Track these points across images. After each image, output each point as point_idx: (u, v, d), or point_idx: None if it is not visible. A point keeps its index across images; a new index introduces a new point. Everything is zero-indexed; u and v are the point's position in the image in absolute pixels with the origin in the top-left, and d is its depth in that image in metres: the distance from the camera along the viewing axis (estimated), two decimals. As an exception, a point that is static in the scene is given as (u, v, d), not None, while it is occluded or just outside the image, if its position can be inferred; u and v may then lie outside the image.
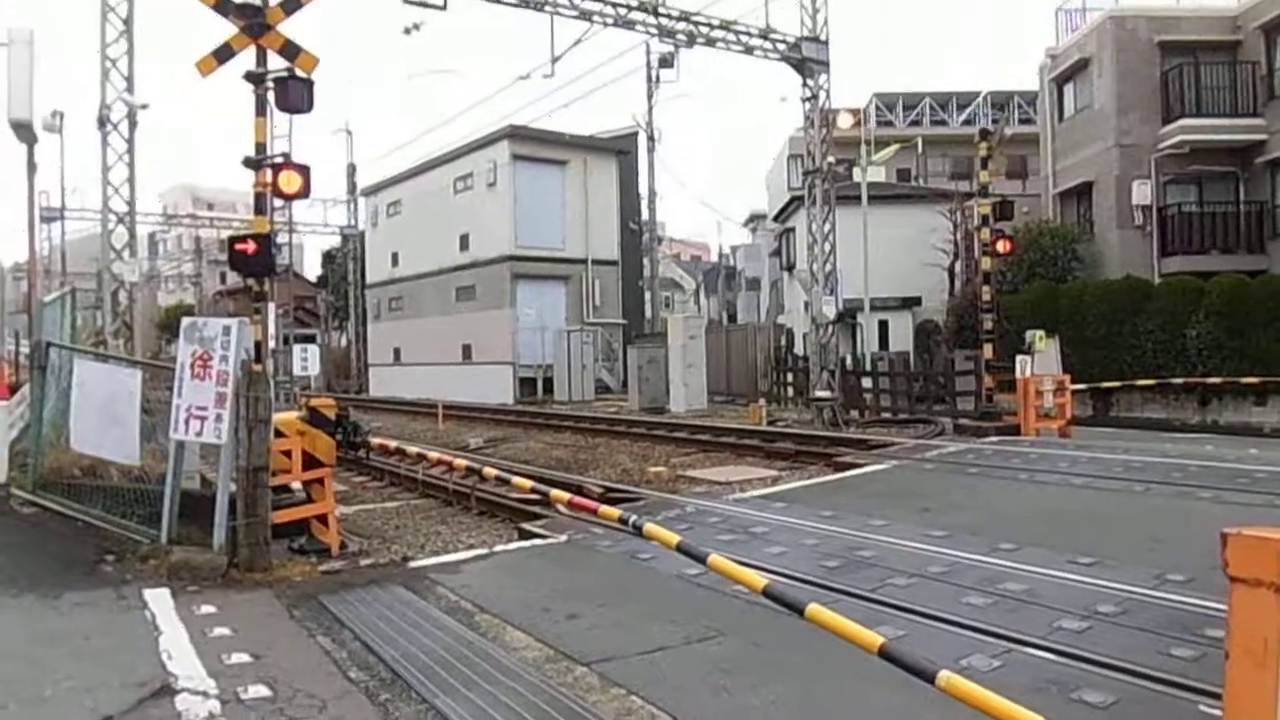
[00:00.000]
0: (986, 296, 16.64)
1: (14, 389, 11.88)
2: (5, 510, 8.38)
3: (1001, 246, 16.27)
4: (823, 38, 18.86)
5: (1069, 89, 26.99)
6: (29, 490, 8.65)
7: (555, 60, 19.32)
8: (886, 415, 20.52)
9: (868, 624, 3.59)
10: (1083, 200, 26.28)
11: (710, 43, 18.14)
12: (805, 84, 19.09)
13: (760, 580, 3.70)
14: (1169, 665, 4.36)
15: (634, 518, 4.68)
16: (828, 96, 19.27)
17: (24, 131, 12.97)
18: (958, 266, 28.81)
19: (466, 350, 34.40)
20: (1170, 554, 6.48)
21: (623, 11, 17.25)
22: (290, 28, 7.64)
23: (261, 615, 5.68)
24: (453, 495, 11.49)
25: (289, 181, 7.38)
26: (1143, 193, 23.49)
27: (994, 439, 14.35)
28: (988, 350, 16.82)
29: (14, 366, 16.98)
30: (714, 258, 65.11)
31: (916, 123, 42.03)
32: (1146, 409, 19.95)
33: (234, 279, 48.39)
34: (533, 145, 32.70)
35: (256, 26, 7.44)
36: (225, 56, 7.53)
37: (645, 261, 36.02)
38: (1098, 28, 25.14)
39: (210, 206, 62.06)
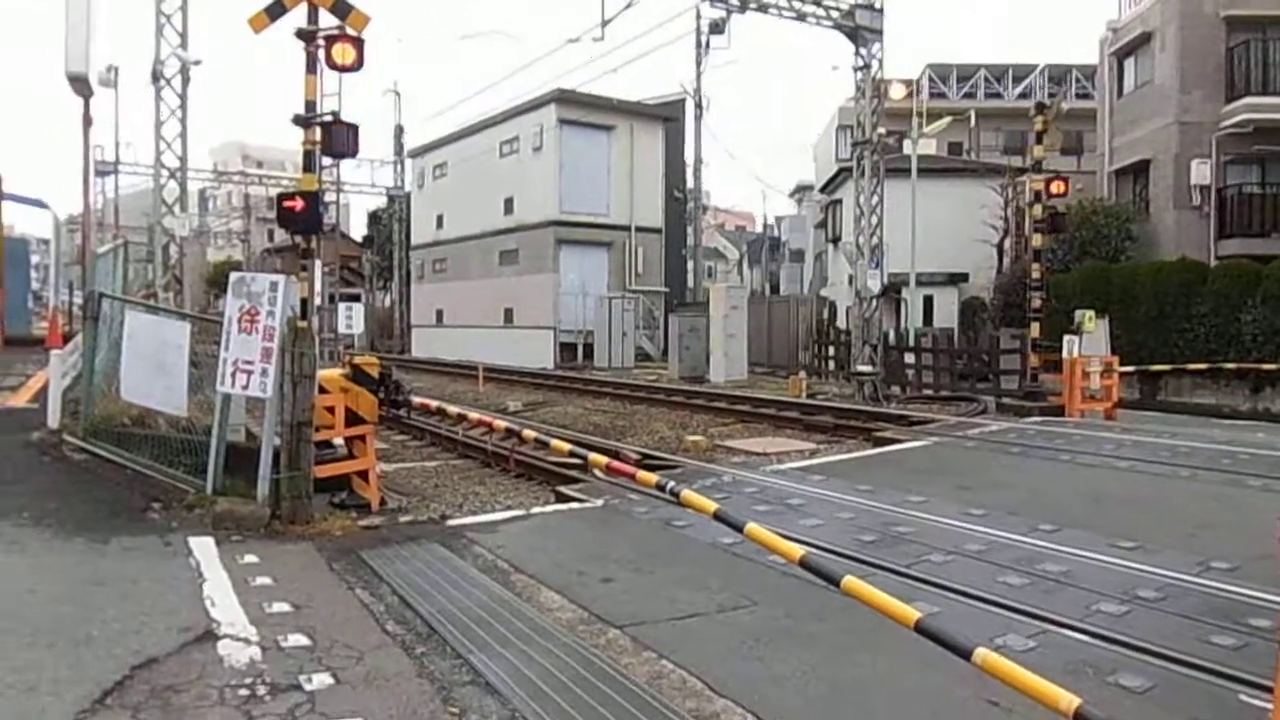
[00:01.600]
0: (1036, 274, 16.32)
1: (67, 338, 12.15)
2: (58, 456, 8.59)
3: (1056, 188, 15.76)
4: (877, 5, 18.48)
5: (1129, 63, 26.27)
6: (80, 437, 8.85)
7: (605, 24, 19.17)
8: (928, 392, 20.30)
9: (902, 599, 3.57)
10: (1139, 178, 25.65)
11: (763, 8, 17.85)
12: (857, 53, 18.75)
13: (797, 550, 3.70)
14: (1210, 653, 4.30)
15: (671, 484, 4.69)
16: (880, 66, 18.91)
17: (80, 85, 13.16)
18: (1007, 243, 28.32)
19: (508, 314, 34.56)
20: (1215, 541, 6.37)
21: (674, -25, 17.03)
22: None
23: (302, 566, 5.79)
24: (491, 456, 11.60)
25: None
26: (1202, 172, 22.85)
27: (1037, 419, 14.16)
28: (1034, 329, 16.54)
29: (67, 316, 17.32)
30: (758, 228, 64.62)
31: (970, 95, 41.24)
32: (1196, 394, 19.55)
33: (281, 236, 48.98)
34: (580, 110, 32.53)
35: (309, -17, 7.43)
36: (277, 13, 7.53)
37: (689, 230, 35.81)
38: (1162, 1, 24.38)
39: (260, 164, 62.72)
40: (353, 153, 7.88)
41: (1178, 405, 19.09)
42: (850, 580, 3.42)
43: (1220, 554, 5.91)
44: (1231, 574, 5.51)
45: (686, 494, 4.43)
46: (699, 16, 30.16)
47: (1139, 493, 8.50)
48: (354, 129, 7.54)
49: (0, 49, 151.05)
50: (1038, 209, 16.16)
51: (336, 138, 7.41)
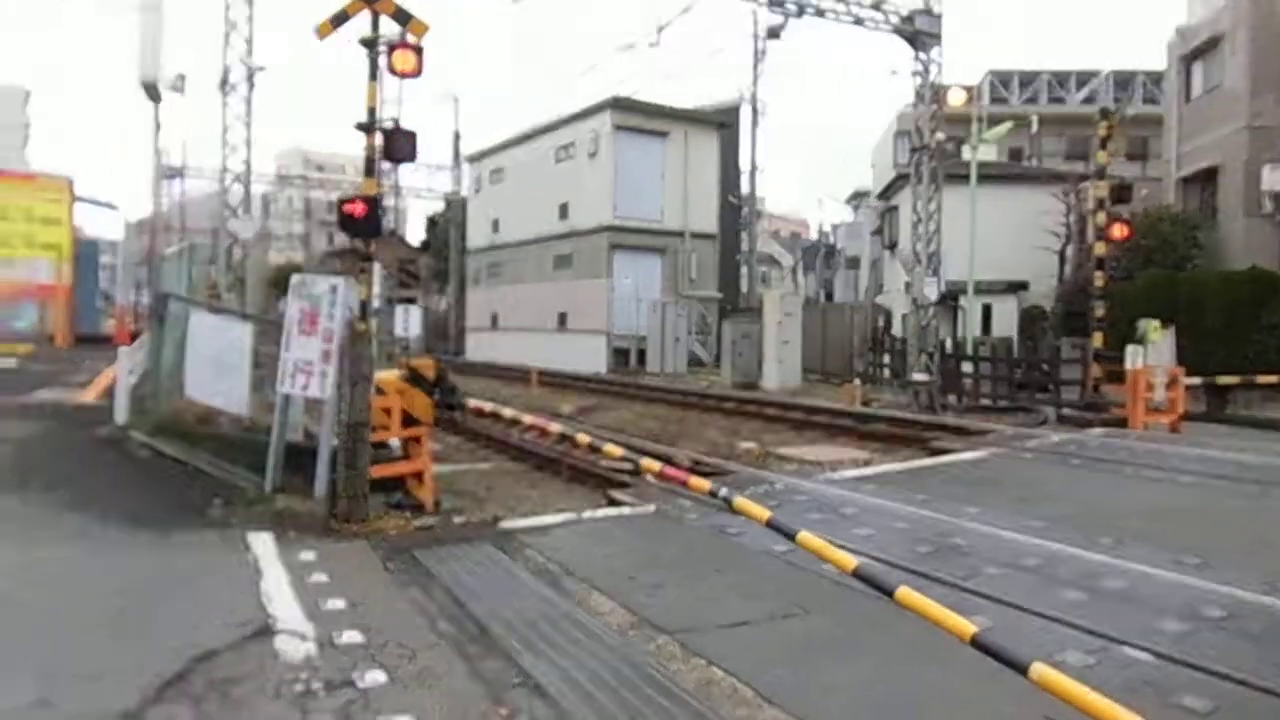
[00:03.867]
0: (1099, 283, 15.98)
1: (133, 336, 12.49)
2: (124, 452, 8.84)
3: (1118, 231, 15.57)
4: (936, 10, 18.31)
5: (1197, 68, 25.62)
6: (146, 434, 9.10)
7: (661, 29, 19.19)
8: (986, 402, 19.97)
9: (957, 612, 3.52)
10: (1207, 185, 24.98)
11: (820, 13, 17.78)
12: (916, 58, 18.58)
13: (851, 560, 3.66)
14: (1278, 676, 4.16)
15: (724, 490, 4.67)
16: (939, 71, 18.73)
17: (151, 91, 13.55)
18: (1069, 251, 27.75)
19: (562, 318, 34.74)
20: (1284, 559, 6.18)
21: (732, -20, 17.04)
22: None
23: (357, 565, 5.87)
24: (544, 460, 11.65)
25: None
26: (1274, 179, 22.16)
27: (1099, 431, 13.84)
28: (1097, 339, 16.19)
29: (134, 315, 17.81)
30: (813, 235, 64.23)
31: (1032, 100, 40.53)
32: (1267, 408, 18.92)
33: (341, 240, 49.79)
34: (635, 116, 32.63)
35: (371, -8, 7.59)
36: (341, 21, 7.71)
37: (743, 236, 35.72)
38: (1233, 4, 23.74)
39: (320, 168, 63.97)
40: (412, 158, 8.03)
41: (1247, 419, 18.49)
42: (904, 591, 3.37)
43: (1290, 573, 5.72)
44: (1302, 594, 5.34)
45: (739, 501, 4.41)
46: (756, 22, 30.21)
47: (1204, 508, 8.27)
48: (413, 135, 7.67)
49: (75, 56, 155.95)
50: (1101, 216, 15.83)
51: (396, 143, 7.55)
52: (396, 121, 7.67)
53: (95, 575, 5.36)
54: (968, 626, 3.14)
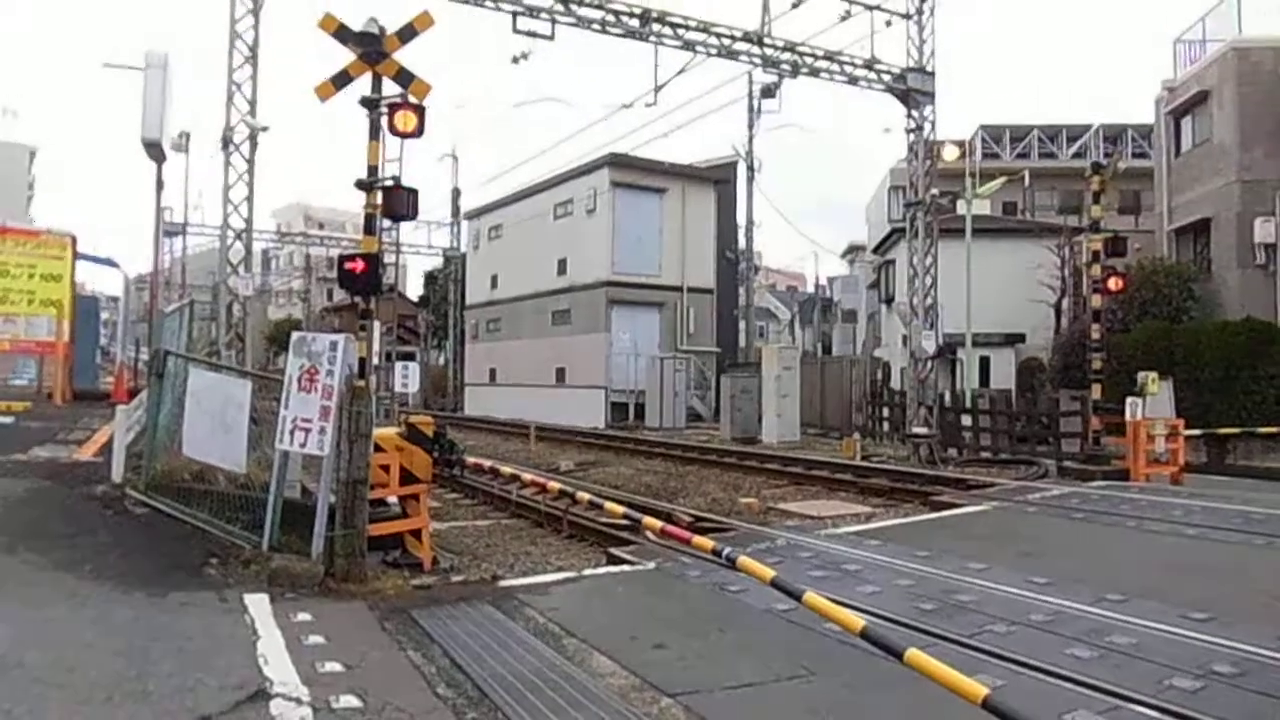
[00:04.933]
0: (1096, 335, 16.02)
1: (132, 394, 12.45)
2: (120, 510, 8.74)
3: (1113, 284, 15.66)
4: (929, 69, 18.58)
5: (1186, 122, 25.98)
6: (142, 491, 9.02)
7: (658, 89, 19.45)
8: (986, 455, 19.90)
9: (965, 671, 3.46)
10: (1200, 237, 25.19)
11: (814, 73, 18.04)
12: (910, 115, 18.82)
13: (858, 621, 3.61)
14: (1294, 735, 4.09)
15: (727, 550, 4.63)
16: (932, 128, 18.96)
17: (154, 151, 13.67)
18: (1064, 303, 27.88)
19: (560, 373, 34.74)
20: (1295, 614, 6.10)
21: (727, 42, 17.31)
22: (404, 56, 7.89)
23: (354, 626, 5.78)
24: (543, 517, 11.56)
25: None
26: (1266, 230, 22.36)
27: (1100, 483, 13.78)
28: (1096, 390, 16.17)
29: (133, 372, 17.76)
30: (810, 288, 64.53)
31: (1024, 155, 41.02)
32: (1268, 458, 18.88)
33: (340, 295, 49.98)
34: (632, 173, 32.98)
35: (373, 54, 7.67)
36: (343, 82, 7.78)
37: (741, 290, 35.88)
38: (1219, 59, 24.16)
39: (321, 225, 64.43)
40: (412, 215, 8.06)
41: (1247, 470, 18.44)
42: (914, 653, 3.32)
43: (1301, 628, 5.64)
44: (1314, 650, 5.26)
45: (743, 560, 4.36)
46: (751, 81, 30.63)
47: (1211, 561, 8.19)
48: (413, 193, 7.70)
49: (77, 114, 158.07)
50: (1096, 269, 15.92)
51: (396, 201, 7.58)
52: (397, 179, 7.71)
53: (89, 637, 5.27)
54: (979, 689, 3.09)
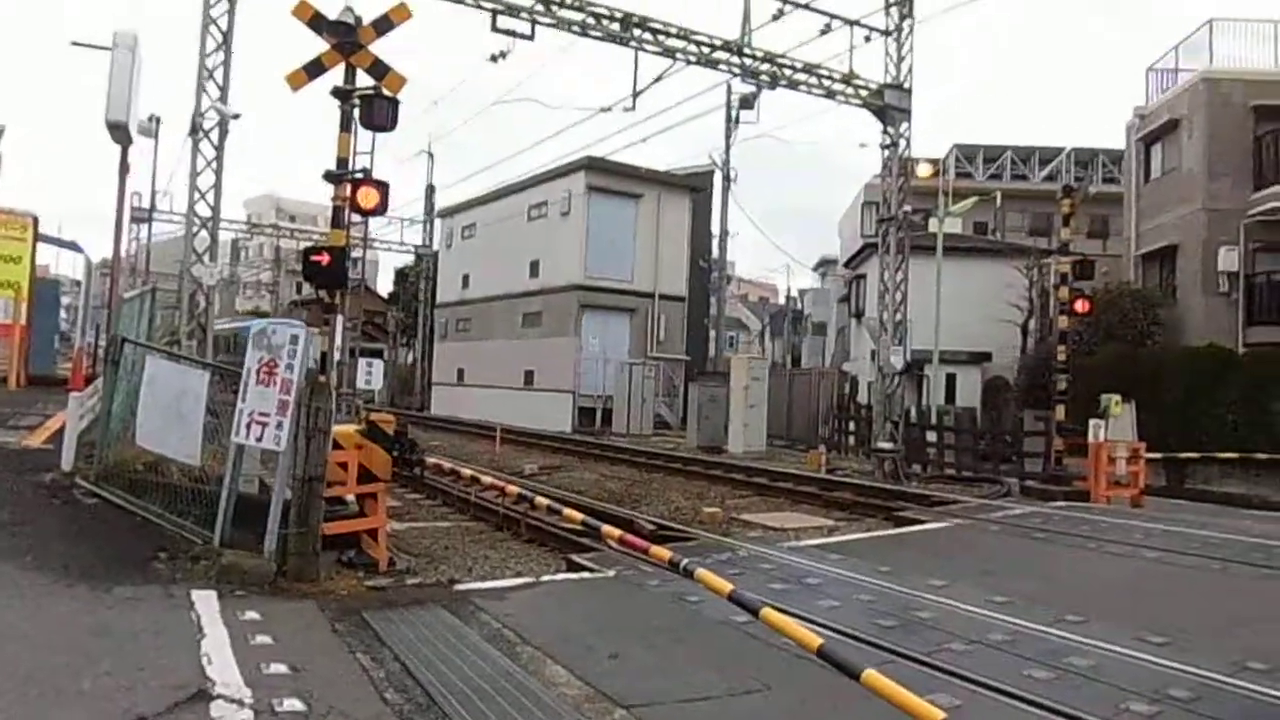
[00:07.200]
0: (1062, 356, 16.17)
1: (89, 380, 12.18)
2: (68, 499, 8.53)
3: (1080, 306, 15.85)
4: (906, 86, 18.66)
5: (1156, 150, 26.36)
6: (92, 481, 8.81)
7: (637, 94, 19.38)
8: (950, 472, 20.01)
9: (922, 690, 3.41)
10: (1166, 263, 25.54)
11: (793, 85, 18.06)
12: (885, 131, 18.89)
13: (815, 639, 3.54)
14: (1248, 763, 4.07)
15: (685, 561, 4.55)
16: (908, 145, 19.03)
17: (119, 133, 13.39)
18: (1031, 324, 28.16)
19: (529, 376, 34.56)
20: (1251, 639, 6.12)
21: (707, 50, 17.28)
22: (380, 48, 7.77)
23: (304, 626, 5.65)
24: (504, 520, 11.44)
25: (367, 198, 7.45)
26: (1230, 259, 22.73)
27: (1062, 504, 13.87)
28: (1060, 412, 16.32)
29: (92, 358, 17.41)
30: (781, 300, 64.82)
31: (996, 176, 41.42)
32: (1225, 483, 19.14)
33: (309, 289, 49.51)
34: (608, 177, 32.90)
35: (348, 45, 7.55)
36: (315, 72, 7.65)
37: (712, 299, 35.90)
38: (1190, 89, 24.53)
39: (292, 218, 63.79)
40: (382, 210, 7.92)
41: (1206, 494, 18.68)
42: (870, 673, 3.26)
43: (1256, 653, 5.65)
44: (1269, 675, 5.26)
45: (701, 572, 4.29)
46: (730, 91, 30.65)
47: (1169, 584, 8.24)
48: (384, 186, 7.59)
49: (42, 92, 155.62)
50: (1064, 291, 16.07)
51: (366, 194, 7.46)
52: (367, 172, 7.60)
53: (26, 630, 5.10)
54: (935, 713, 3.03)
